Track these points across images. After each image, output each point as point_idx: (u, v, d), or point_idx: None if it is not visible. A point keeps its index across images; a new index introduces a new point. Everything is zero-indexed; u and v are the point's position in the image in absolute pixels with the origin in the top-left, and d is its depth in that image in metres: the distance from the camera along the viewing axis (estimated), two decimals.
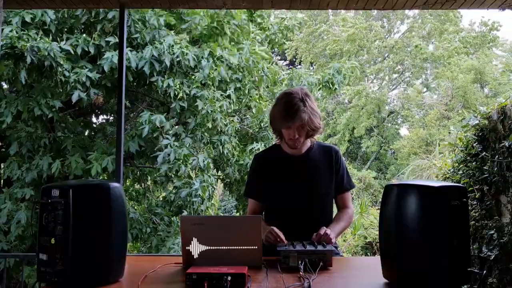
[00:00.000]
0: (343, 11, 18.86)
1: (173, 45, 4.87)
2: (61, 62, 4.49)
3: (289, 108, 2.04)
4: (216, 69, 5.07)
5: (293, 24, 6.72)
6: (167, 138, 4.82)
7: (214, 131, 5.41)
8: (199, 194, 4.87)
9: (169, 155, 4.71)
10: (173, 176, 4.91)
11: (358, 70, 7.17)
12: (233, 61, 5.25)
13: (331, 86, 6.53)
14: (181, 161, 4.74)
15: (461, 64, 17.22)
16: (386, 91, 19.60)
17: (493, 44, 19.30)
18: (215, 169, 6.15)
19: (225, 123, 5.28)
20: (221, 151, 5.46)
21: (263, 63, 5.75)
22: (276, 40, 6.68)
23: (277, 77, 6.44)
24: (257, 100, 5.93)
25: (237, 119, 5.77)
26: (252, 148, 5.76)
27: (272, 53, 7.41)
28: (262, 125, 6.02)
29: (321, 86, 6.47)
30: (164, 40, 4.87)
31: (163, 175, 4.88)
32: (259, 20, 6.32)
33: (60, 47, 4.51)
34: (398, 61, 19.63)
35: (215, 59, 5.11)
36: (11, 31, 4.32)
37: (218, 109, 5.08)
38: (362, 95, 18.05)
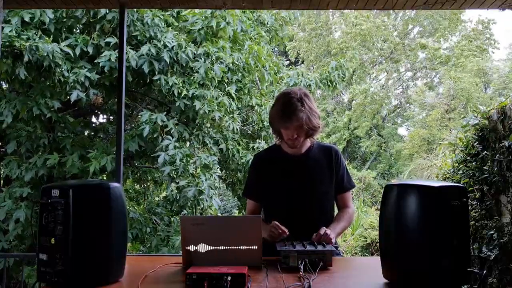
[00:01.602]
0: (346, 11, 18.84)
1: (172, 40, 4.85)
2: (60, 63, 4.48)
3: (287, 108, 2.05)
4: (212, 69, 5.05)
5: (289, 16, 6.70)
6: (168, 138, 4.80)
7: (216, 130, 5.38)
8: (207, 193, 4.85)
9: (172, 156, 4.69)
10: (175, 176, 4.89)
11: (357, 58, 7.10)
12: (229, 61, 5.23)
13: (330, 84, 6.51)
14: (185, 161, 4.72)
15: (464, 64, 17.22)
16: (388, 90, 19.58)
17: (490, 42, 19.34)
18: (217, 168, 6.13)
19: (226, 119, 5.23)
20: (226, 147, 5.43)
21: (263, 61, 5.72)
22: (277, 34, 6.63)
23: (280, 68, 6.39)
24: (258, 97, 5.91)
25: (240, 118, 5.72)
26: (254, 146, 5.71)
27: (273, 51, 7.37)
28: (264, 124, 6.00)
29: (320, 84, 6.43)
30: (163, 37, 4.85)
31: (166, 175, 4.86)
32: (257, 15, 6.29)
33: (60, 48, 4.50)
34: (400, 61, 19.61)
35: (212, 59, 5.09)
36: (10, 31, 4.32)
37: (216, 108, 5.06)
38: (368, 94, 18.02)
